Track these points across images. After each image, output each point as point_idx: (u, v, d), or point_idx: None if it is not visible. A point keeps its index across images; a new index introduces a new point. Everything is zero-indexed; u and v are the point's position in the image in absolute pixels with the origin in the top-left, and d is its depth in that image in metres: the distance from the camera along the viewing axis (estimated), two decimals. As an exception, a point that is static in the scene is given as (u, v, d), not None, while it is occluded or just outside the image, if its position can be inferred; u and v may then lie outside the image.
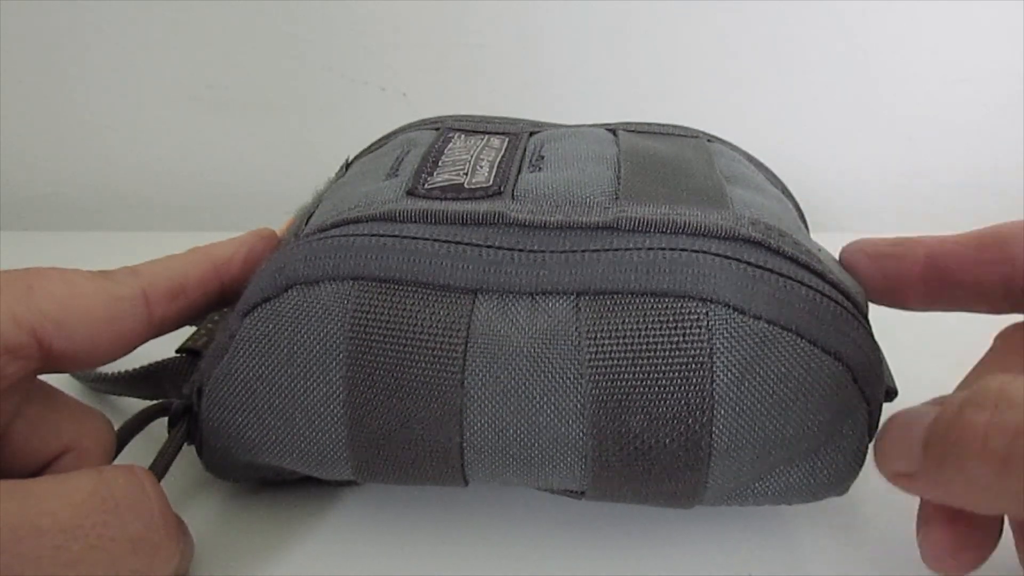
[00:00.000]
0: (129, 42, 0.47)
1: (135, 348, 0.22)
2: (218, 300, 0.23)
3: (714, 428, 0.19)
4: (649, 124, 0.29)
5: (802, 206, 0.28)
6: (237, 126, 0.49)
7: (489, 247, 0.20)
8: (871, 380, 0.21)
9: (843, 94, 0.49)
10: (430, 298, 0.20)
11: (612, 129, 0.27)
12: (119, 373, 0.26)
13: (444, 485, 0.22)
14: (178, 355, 0.25)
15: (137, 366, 0.25)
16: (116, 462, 0.22)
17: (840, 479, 0.22)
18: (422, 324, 0.20)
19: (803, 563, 0.23)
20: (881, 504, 0.24)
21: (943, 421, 0.17)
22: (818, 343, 0.20)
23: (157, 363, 0.25)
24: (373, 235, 0.21)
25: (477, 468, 0.21)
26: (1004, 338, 0.22)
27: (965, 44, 0.47)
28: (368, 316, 0.20)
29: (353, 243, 0.20)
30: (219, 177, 0.51)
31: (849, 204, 0.52)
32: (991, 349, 0.22)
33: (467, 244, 0.20)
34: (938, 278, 0.21)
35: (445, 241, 0.20)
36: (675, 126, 0.29)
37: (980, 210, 0.52)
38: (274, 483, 0.25)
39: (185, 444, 0.23)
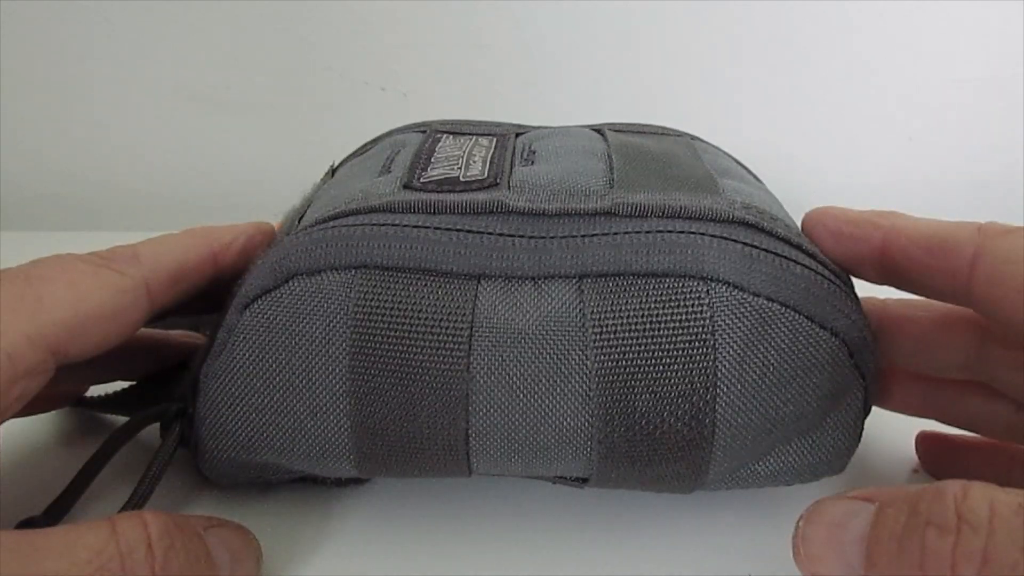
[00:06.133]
0: (129, 42, 0.47)
1: (133, 334, 0.22)
2: (210, 286, 0.23)
3: (717, 405, 0.20)
4: (633, 124, 0.29)
5: (801, 206, 0.28)
6: (237, 126, 0.49)
7: (490, 234, 0.20)
8: (865, 355, 0.21)
9: (843, 94, 0.49)
10: (434, 285, 0.20)
11: (598, 129, 0.28)
12: (110, 395, 0.25)
13: (447, 476, 0.22)
14: (171, 368, 0.25)
15: (125, 386, 0.25)
16: (107, 470, 0.22)
17: (837, 457, 0.22)
18: (427, 311, 0.20)
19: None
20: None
21: (892, 532, 0.16)
22: (815, 319, 0.20)
23: (149, 377, 0.25)
24: (374, 224, 0.20)
25: (482, 456, 0.21)
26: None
27: (965, 44, 0.47)
28: (372, 305, 0.20)
29: (354, 233, 0.20)
30: (219, 177, 0.51)
31: (849, 204, 0.52)
32: None
33: (468, 231, 0.20)
34: (891, 266, 0.21)
35: (446, 229, 0.20)
36: (658, 126, 0.29)
37: (980, 210, 0.51)
38: (271, 485, 0.25)
39: (179, 448, 0.22)
